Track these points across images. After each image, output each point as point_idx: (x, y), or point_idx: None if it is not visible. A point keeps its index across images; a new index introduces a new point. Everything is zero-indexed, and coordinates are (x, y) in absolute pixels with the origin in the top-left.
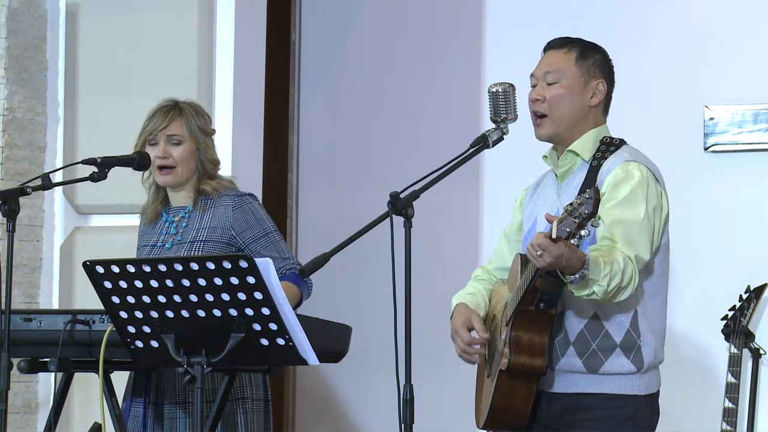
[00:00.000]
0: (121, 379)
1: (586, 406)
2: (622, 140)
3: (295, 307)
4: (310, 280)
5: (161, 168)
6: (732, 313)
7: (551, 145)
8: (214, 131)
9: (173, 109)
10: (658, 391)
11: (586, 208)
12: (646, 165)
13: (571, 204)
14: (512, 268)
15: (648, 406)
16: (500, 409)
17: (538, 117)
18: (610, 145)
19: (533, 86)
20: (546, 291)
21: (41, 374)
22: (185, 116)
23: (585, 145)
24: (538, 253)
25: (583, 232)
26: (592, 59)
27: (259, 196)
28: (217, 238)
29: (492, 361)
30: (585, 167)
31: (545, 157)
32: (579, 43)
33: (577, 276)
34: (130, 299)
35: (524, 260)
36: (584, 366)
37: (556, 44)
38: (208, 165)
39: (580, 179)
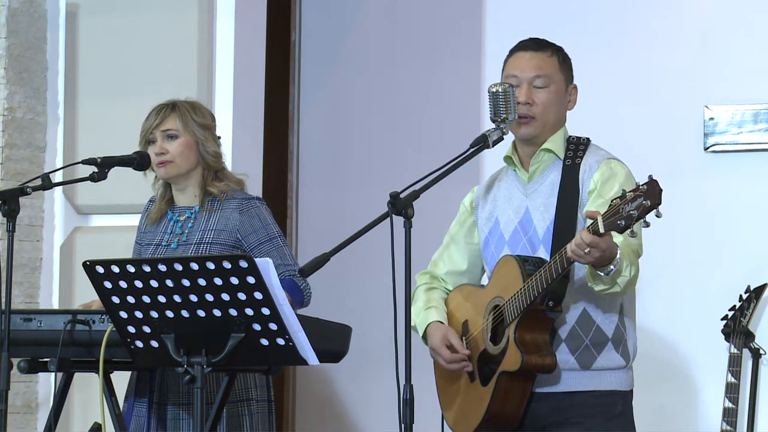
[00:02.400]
0: (121, 379)
1: (577, 403)
2: (588, 138)
3: (297, 315)
4: (309, 287)
5: (159, 163)
6: (732, 313)
7: (510, 146)
8: (213, 125)
9: (167, 106)
10: None
11: (645, 199)
12: (623, 162)
13: (621, 198)
14: (500, 271)
15: (630, 402)
16: (496, 413)
17: (522, 117)
18: (579, 144)
19: (514, 85)
20: (555, 290)
21: (41, 374)
22: (179, 111)
23: (557, 143)
24: (586, 251)
25: (641, 224)
26: (568, 63)
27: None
28: (224, 240)
29: (477, 366)
30: (556, 166)
31: (508, 157)
32: (555, 47)
33: (612, 267)
34: (130, 299)
35: (521, 261)
36: (577, 362)
37: (534, 46)
38: (209, 158)
39: (554, 178)
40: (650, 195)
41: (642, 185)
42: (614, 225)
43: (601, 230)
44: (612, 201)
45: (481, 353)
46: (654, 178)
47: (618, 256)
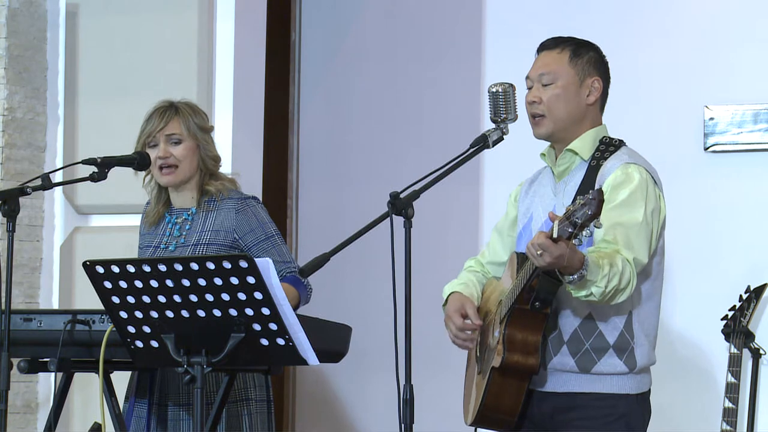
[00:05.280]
0: (121, 379)
1: (578, 405)
2: (622, 141)
3: (297, 315)
4: (310, 285)
5: (162, 168)
6: (732, 313)
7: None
8: (212, 128)
9: (169, 109)
10: (650, 389)
11: (589, 208)
12: (645, 167)
13: (573, 204)
14: (508, 266)
15: (640, 405)
16: (490, 407)
17: (535, 117)
18: (609, 146)
19: (529, 88)
20: (542, 290)
21: (41, 374)
22: (182, 115)
23: (584, 144)
24: (539, 252)
25: (584, 233)
26: (585, 57)
27: (259, 196)
28: (221, 241)
29: (484, 358)
30: (583, 167)
31: (543, 155)
32: (572, 42)
33: (575, 277)
34: (130, 299)
35: (521, 258)
36: (576, 365)
37: (549, 45)
38: (209, 162)
39: (579, 178)
40: (593, 204)
41: (590, 193)
42: (564, 230)
43: (554, 235)
44: (567, 207)
45: (487, 345)
46: (602, 189)
47: (583, 268)
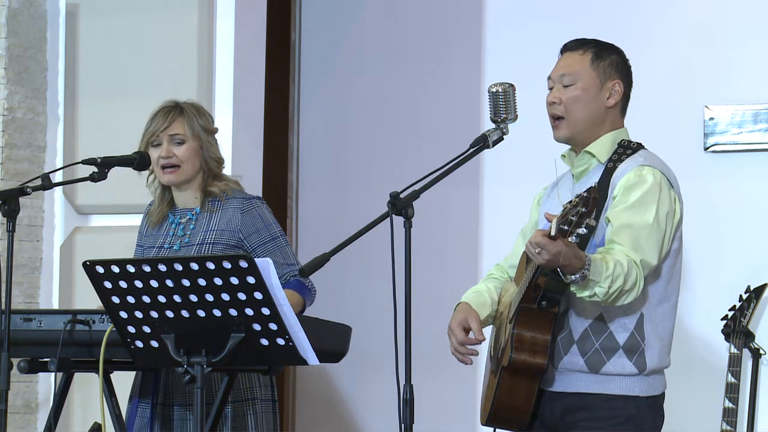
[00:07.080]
0: (121, 379)
1: (586, 406)
2: (640, 144)
3: (297, 315)
4: (314, 287)
5: (165, 167)
6: (732, 313)
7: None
8: (216, 130)
9: (174, 109)
10: (663, 393)
11: (582, 206)
12: (660, 170)
13: (570, 202)
14: (519, 267)
15: (650, 408)
16: (502, 406)
17: (555, 119)
18: (627, 149)
19: (550, 89)
20: (549, 289)
21: (41, 374)
22: (187, 115)
23: (602, 147)
24: (537, 251)
25: (580, 231)
26: (608, 60)
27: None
28: (226, 240)
29: (498, 357)
30: (600, 169)
31: (563, 156)
32: (594, 44)
33: (577, 276)
34: (130, 299)
35: (528, 258)
36: (586, 365)
37: (572, 46)
38: (212, 163)
39: (595, 180)
40: (587, 202)
41: (584, 192)
42: (560, 229)
43: (552, 233)
44: (563, 205)
45: (500, 345)
46: (595, 186)
47: (584, 267)
